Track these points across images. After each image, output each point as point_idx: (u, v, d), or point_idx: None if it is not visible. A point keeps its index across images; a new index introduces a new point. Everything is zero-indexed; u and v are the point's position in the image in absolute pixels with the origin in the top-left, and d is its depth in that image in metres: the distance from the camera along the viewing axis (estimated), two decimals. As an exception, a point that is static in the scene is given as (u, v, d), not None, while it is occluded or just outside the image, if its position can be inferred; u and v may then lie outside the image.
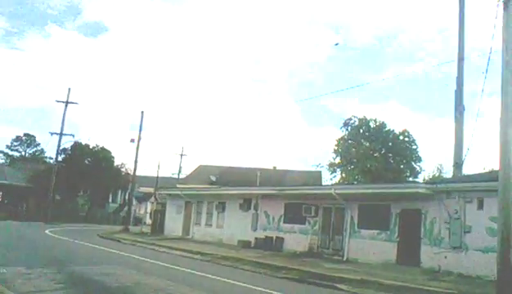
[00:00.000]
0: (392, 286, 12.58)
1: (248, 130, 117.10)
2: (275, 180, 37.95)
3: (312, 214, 21.75)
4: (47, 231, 30.31)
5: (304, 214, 22.04)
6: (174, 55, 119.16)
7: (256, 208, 25.41)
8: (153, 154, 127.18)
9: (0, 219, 41.13)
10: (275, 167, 51.32)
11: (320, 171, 48.95)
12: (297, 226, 22.62)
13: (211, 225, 28.64)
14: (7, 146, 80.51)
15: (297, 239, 22.34)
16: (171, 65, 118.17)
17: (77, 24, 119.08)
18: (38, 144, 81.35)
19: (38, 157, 78.42)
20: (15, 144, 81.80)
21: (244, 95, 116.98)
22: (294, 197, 23.16)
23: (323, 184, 41.60)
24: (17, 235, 25.16)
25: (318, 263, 17.58)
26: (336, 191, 20.63)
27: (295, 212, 22.66)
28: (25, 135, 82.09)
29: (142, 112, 42.00)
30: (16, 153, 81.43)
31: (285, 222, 23.53)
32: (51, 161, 54.97)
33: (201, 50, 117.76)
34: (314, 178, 44.17)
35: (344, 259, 19.53)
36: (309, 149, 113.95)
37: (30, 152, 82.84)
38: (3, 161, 74.90)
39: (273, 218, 24.20)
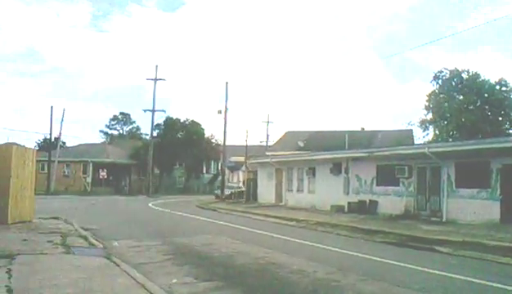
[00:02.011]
0: (499, 247, 11.84)
1: (333, 92, 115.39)
2: (364, 142, 37.15)
3: (406, 175, 21.19)
4: (150, 204, 32.43)
5: (397, 175, 21.54)
6: (253, 20, 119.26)
7: (347, 172, 25.20)
8: (241, 123, 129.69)
9: (107, 194, 44.70)
10: (363, 128, 50.00)
11: (411, 130, 47.20)
12: (391, 188, 22.18)
13: (302, 191, 28.95)
14: (106, 125, 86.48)
15: (391, 202, 21.93)
16: (251, 32, 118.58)
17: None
18: (134, 122, 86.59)
19: (135, 134, 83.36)
20: (113, 123, 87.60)
21: (325, 56, 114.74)
22: (386, 158, 22.64)
23: (415, 142, 40.12)
24: (124, 210, 27.17)
25: (415, 225, 17.20)
26: (430, 150, 19.92)
27: (388, 174, 22.21)
28: (121, 113, 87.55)
29: (227, 83, 43.17)
30: (115, 132, 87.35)
31: (377, 185, 23.17)
32: (147, 137, 58.22)
33: (278, 12, 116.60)
34: (405, 137, 42.48)
35: (443, 220, 18.91)
36: (398, 107, 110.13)
37: (127, 129, 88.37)
38: (104, 139, 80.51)
39: (365, 181, 23.90)
